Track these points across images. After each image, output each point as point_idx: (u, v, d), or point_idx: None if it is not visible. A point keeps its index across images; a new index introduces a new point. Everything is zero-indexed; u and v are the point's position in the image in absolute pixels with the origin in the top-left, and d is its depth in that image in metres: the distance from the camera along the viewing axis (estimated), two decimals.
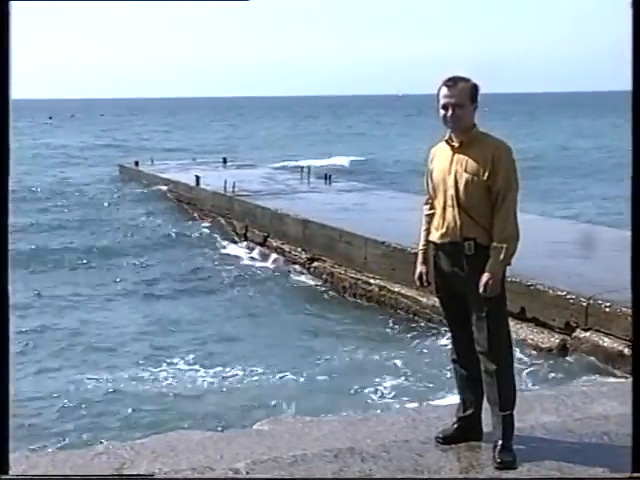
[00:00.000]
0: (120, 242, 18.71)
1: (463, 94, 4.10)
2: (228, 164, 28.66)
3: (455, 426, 4.39)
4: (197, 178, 22.08)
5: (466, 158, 4.11)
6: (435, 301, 10.57)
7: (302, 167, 23.91)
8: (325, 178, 22.53)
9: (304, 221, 15.80)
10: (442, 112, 4.13)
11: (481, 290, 4.04)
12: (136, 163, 29.01)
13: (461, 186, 4.10)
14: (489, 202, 4.08)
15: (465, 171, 4.10)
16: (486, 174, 4.06)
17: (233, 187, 19.97)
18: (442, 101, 4.12)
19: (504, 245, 4.04)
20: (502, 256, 4.04)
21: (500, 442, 4.12)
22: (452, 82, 4.12)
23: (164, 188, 24.49)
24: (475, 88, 4.17)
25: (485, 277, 4.03)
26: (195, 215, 21.50)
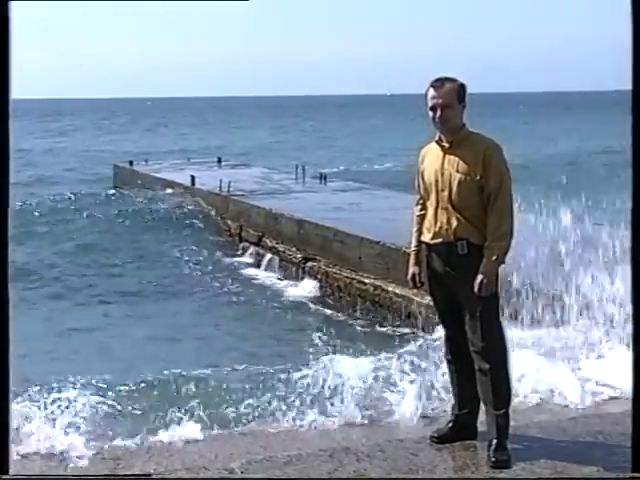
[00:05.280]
0: None
1: (450, 94, 4.13)
2: (223, 164, 28.63)
3: (450, 425, 4.40)
4: (192, 178, 22.04)
5: (457, 159, 4.13)
6: (429, 300, 10.62)
7: (297, 166, 23.85)
8: (320, 178, 22.51)
9: (299, 221, 15.80)
10: (430, 113, 4.17)
11: (476, 290, 4.04)
12: (130, 163, 28.96)
13: (454, 187, 4.11)
14: (482, 202, 4.09)
15: (457, 171, 4.11)
16: (478, 174, 4.07)
17: (228, 187, 19.95)
18: (430, 102, 4.15)
19: (497, 244, 4.05)
20: (495, 255, 4.05)
21: (494, 441, 4.13)
22: (439, 83, 4.15)
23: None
24: (462, 88, 4.19)
25: (479, 277, 4.04)
26: None
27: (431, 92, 4.15)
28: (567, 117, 76.70)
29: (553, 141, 44.77)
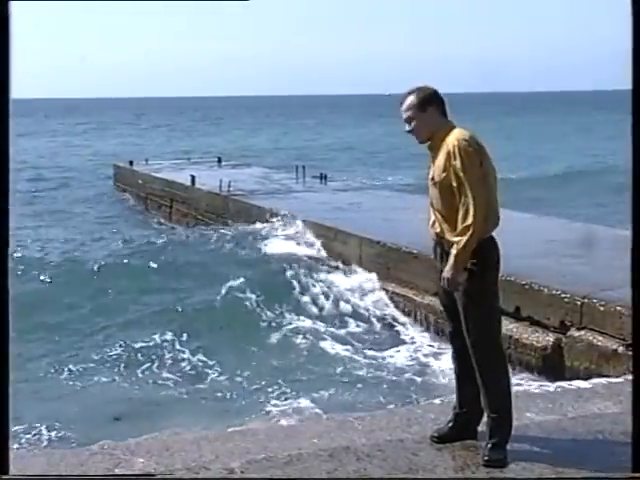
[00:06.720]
0: None
1: (411, 108, 4.22)
2: (223, 164, 28.64)
3: (450, 425, 4.40)
4: (192, 178, 22.03)
5: (433, 163, 4.25)
6: (430, 300, 10.64)
7: (297, 166, 23.84)
8: (320, 177, 22.50)
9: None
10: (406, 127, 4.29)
11: (441, 284, 4.15)
12: (130, 163, 28.97)
13: (432, 192, 4.26)
14: (456, 203, 4.10)
15: (432, 177, 4.24)
16: (443, 175, 4.14)
17: (228, 187, 19.95)
18: (402, 117, 4.28)
19: (460, 239, 4.05)
20: (455, 251, 4.06)
21: (490, 441, 4.14)
22: (403, 98, 4.27)
23: None
24: (423, 98, 4.22)
25: (444, 271, 4.10)
26: None
27: (400, 108, 4.28)
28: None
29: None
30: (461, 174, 4.04)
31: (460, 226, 4.05)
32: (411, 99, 4.23)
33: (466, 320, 4.15)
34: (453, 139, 4.12)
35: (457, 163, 4.05)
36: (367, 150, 46.84)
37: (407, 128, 4.25)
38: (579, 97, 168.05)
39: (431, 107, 4.21)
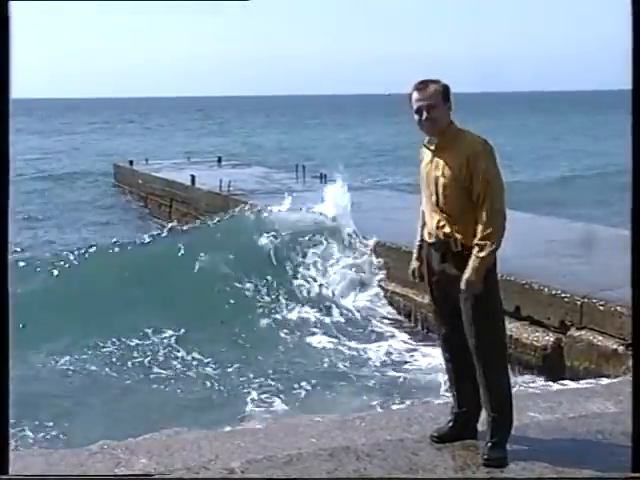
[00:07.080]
0: None
1: (435, 95, 4.10)
2: (223, 163, 28.63)
3: (450, 425, 4.40)
4: (192, 177, 22.03)
5: (443, 162, 4.12)
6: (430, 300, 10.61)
7: (297, 165, 23.83)
8: (320, 177, 22.48)
9: None
10: (416, 117, 4.14)
11: (461, 287, 4.06)
12: (130, 162, 28.98)
13: (440, 192, 4.12)
14: (470, 204, 4.06)
15: (442, 176, 4.11)
16: (462, 177, 4.05)
17: (228, 186, 19.94)
18: (415, 105, 4.12)
19: (484, 242, 4.02)
20: (483, 253, 4.02)
21: (490, 440, 4.14)
22: (422, 85, 4.13)
23: None
24: (446, 88, 4.16)
25: (466, 274, 4.04)
26: None
27: (415, 95, 4.13)
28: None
29: None
30: (488, 177, 4.01)
31: (487, 230, 3.99)
32: (435, 87, 4.11)
33: (471, 320, 4.11)
34: (476, 142, 4.08)
35: (486, 167, 4.01)
36: (368, 150, 46.90)
37: (424, 116, 4.08)
38: (581, 97, 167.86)
39: (449, 101, 4.17)
